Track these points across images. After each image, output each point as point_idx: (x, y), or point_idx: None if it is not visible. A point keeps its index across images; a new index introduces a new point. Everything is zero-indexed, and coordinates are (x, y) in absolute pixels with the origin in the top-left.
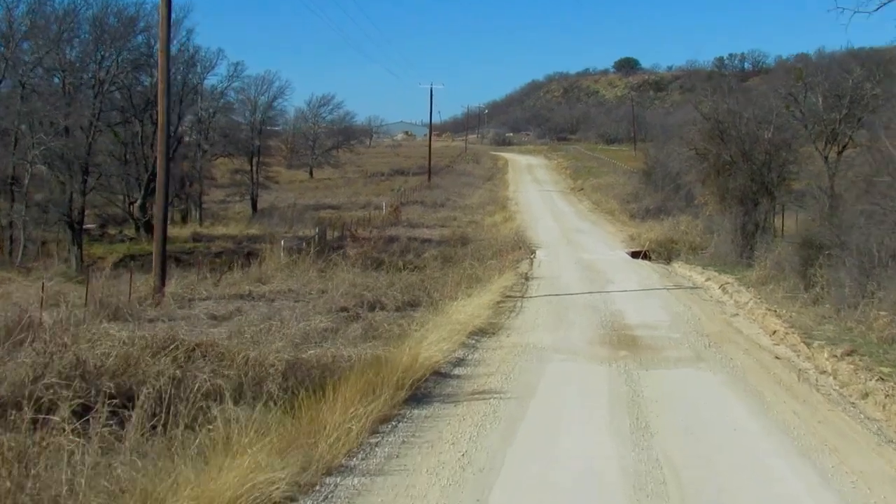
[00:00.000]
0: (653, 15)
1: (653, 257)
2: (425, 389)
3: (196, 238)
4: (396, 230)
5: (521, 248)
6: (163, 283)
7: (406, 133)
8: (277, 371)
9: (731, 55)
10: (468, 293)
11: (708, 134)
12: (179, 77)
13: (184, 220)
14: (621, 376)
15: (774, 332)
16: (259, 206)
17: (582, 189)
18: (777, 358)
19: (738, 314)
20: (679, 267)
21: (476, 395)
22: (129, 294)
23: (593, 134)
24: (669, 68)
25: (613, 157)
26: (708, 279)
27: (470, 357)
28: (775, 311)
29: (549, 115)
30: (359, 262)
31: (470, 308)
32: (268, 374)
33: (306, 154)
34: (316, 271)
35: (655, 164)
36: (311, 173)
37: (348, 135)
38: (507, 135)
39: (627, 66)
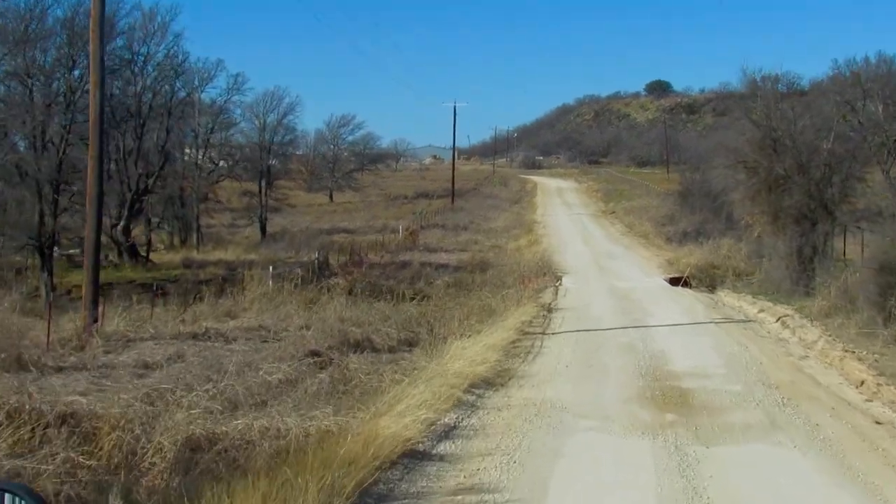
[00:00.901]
0: (685, 37)
1: (693, 284)
2: (384, 487)
3: (187, 264)
4: (411, 255)
5: (547, 274)
6: (94, 320)
7: (434, 157)
8: (165, 461)
9: (764, 77)
10: (478, 329)
11: (759, 144)
12: (167, 87)
13: (183, 243)
14: (672, 458)
15: (862, 382)
16: (270, 229)
17: (614, 212)
18: (878, 423)
19: (807, 356)
20: (725, 296)
21: (459, 496)
22: (48, 334)
23: (625, 157)
24: (702, 91)
25: (646, 179)
26: (761, 310)
27: (464, 423)
28: (853, 352)
29: (579, 139)
30: (359, 291)
31: (476, 349)
32: (149, 467)
33: (327, 177)
34: (302, 302)
35: (692, 185)
36: (330, 197)
37: (374, 158)
38: (536, 158)
39: (659, 88)
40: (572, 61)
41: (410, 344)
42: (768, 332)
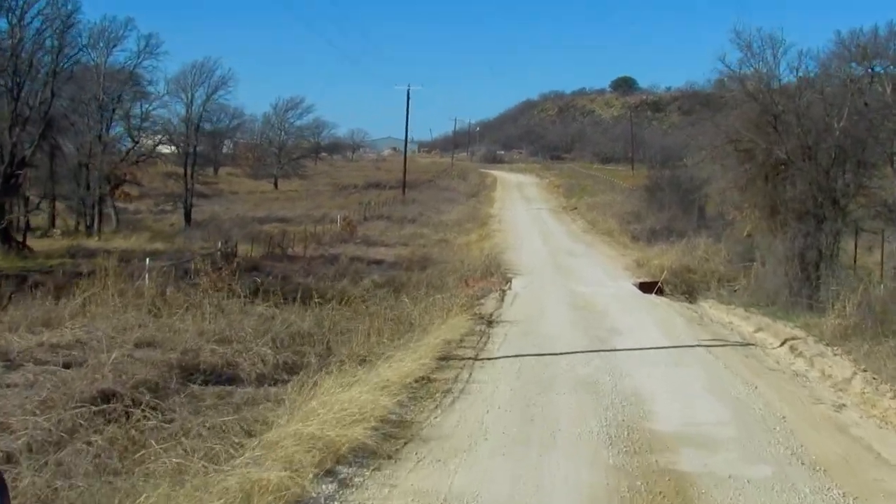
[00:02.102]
0: (651, 34)
1: (667, 291)
2: None
3: (73, 253)
4: (344, 248)
5: (495, 274)
6: None
7: (394, 149)
8: None
9: (731, 76)
10: (391, 346)
11: (755, 121)
12: (54, 42)
13: (89, 228)
14: None
15: None
16: (199, 217)
17: (576, 208)
18: None
19: (843, 403)
20: (710, 307)
21: None
22: None
23: (588, 153)
24: (668, 89)
25: (610, 175)
26: (759, 329)
27: None
28: None
29: (542, 133)
30: (249, 291)
31: (359, 392)
32: None
33: (273, 163)
34: (168, 307)
35: (660, 180)
36: (275, 184)
37: (331, 148)
38: (498, 152)
39: (625, 85)
40: (537, 57)
41: (292, 370)
42: (777, 363)
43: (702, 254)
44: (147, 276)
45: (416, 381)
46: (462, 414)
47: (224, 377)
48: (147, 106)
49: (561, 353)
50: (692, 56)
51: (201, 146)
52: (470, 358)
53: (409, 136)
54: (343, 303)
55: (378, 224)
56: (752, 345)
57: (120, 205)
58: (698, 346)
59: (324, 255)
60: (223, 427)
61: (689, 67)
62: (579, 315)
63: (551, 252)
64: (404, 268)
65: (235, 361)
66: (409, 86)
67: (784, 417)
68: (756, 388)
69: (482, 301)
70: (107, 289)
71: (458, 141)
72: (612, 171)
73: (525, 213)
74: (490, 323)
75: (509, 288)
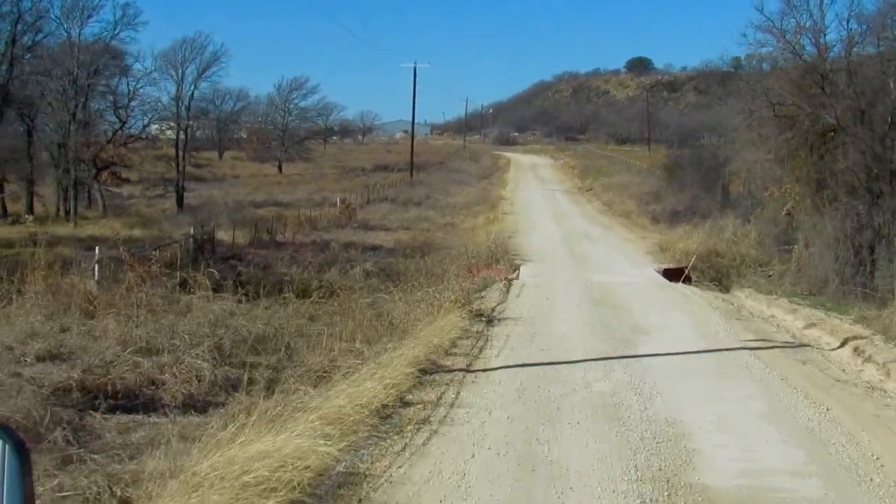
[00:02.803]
0: (666, 14)
1: (694, 277)
2: None
3: (36, 241)
4: (342, 233)
5: (503, 261)
6: None
7: (405, 132)
8: None
9: (748, 56)
10: (365, 354)
11: (798, 83)
12: (11, 9)
13: (67, 214)
14: None
15: None
16: (195, 202)
17: (591, 189)
18: None
19: None
20: (746, 297)
21: None
22: None
23: (603, 134)
24: (684, 69)
25: (626, 156)
26: (810, 324)
27: None
28: None
29: (556, 115)
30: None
31: (299, 431)
32: None
33: (277, 147)
34: (105, 306)
35: (680, 158)
36: (279, 167)
37: (342, 132)
38: (511, 134)
39: (640, 66)
40: (552, 38)
41: (233, 388)
42: (843, 371)
43: (730, 236)
44: (96, 268)
45: (384, 408)
46: (437, 460)
47: (139, 401)
48: (133, 83)
49: (575, 362)
50: (708, 35)
51: (206, 130)
52: (460, 369)
53: (422, 120)
54: (327, 295)
55: (381, 207)
56: (806, 346)
57: (114, 189)
58: (742, 348)
59: (316, 242)
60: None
61: (705, 47)
62: (597, 310)
63: (565, 236)
64: (403, 254)
65: (160, 378)
66: (415, 63)
67: (881, 462)
68: (828, 410)
69: (483, 294)
70: (31, 284)
71: (471, 124)
72: (628, 151)
73: (539, 194)
74: (491, 321)
75: (517, 277)
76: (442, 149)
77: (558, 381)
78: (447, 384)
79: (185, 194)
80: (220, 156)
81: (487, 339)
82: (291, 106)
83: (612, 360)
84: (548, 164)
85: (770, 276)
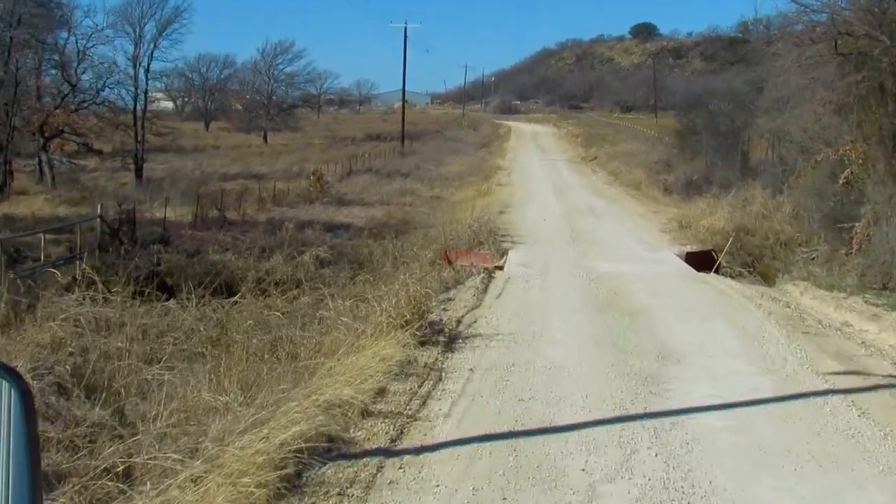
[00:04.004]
0: None
1: (724, 263)
2: None
3: None
4: (307, 209)
5: (487, 243)
6: None
7: (406, 102)
8: None
9: (755, 19)
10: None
11: (869, 8)
12: None
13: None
14: None
15: None
16: (160, 174)
17: (595, 158)
18: None
19: None
20: (802, 293)
21: None
22: None
23: (608, 101)
24: (689, 34)
25: (633, 124)
26: None
27: None
28: None
29: (560, 82)
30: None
31: None
32: None
33: (262, 116)
34: None
35: (693, 123)
36: (264, 138)
37: (341, 102)
38: (513, 103)
39: (644, 32)
40: (554, 3)
41: None
42: None
43: (758, 209)
44: None
45: None
46: None
47: None
48: (84, 42)
49: (571, 429)
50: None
51: (194, 100)
52: (377, 452)
53: (422, 90)
54: (263, 294)
55: (362, 179)
56: None
57: (82, 162)
58: (831, 392)
59: (272, 220)
60: None
61: (711, 12)
62: (604, 319)
63: (566, 211)
64: (373, 235)
65: None
66: (405, 22)
67: None
68: None
69: (453, 294)
70: None
71: (473, 93)
72: (634, 119)
73: (539, 164)
74: (452, 342)
75: (503, 266)
76: (441, 118)
77: (541, 483)
78: (341, 496)
79: (153, 166)
80: (207, 126)
81: (439, 380)
82: (277, 72)
83: (633, 423)
84: (550, 132)
85: (814, 258)
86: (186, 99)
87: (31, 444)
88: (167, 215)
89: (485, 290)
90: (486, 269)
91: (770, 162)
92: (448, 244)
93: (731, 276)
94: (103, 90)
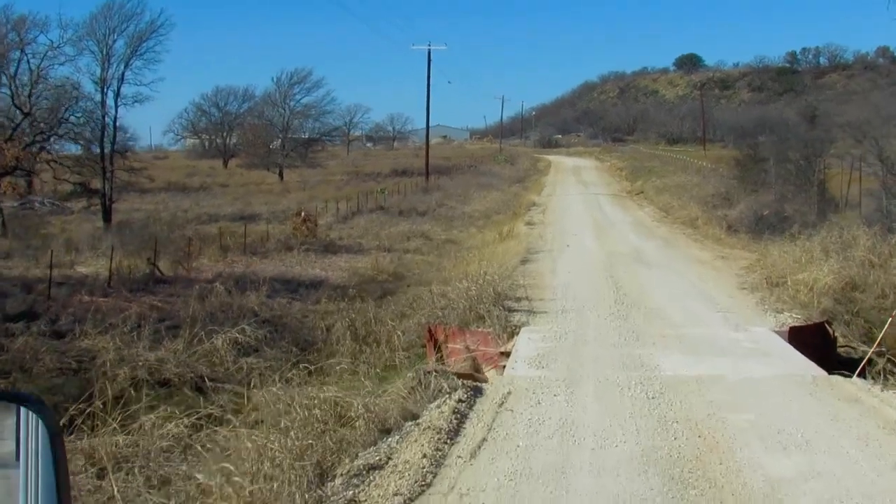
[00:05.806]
0: (716, 9)
1: (839, 335)
2: None
3: None
4: (276, 260)
5: (490, 318)
6: None
7: (444, 137)
8: None
9: (804, 49)
10: None
11: None
12: None
13: None
14: None
15: None
16: (135, 216)
17: (641, 192)
18: None
19: None
20: None
21: None
22: None
23: (653, 134)
24: (736, 65)
25: (680, 155)
26: None
27: None
28: None
29: (602, 115)
30: None
31: None
32: None
33: (277, 152)
34: None
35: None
36: (280, 174)
37: (378, 138)
38: (554, 137)
39: (689, 63)
40: (596, 37)
41: None
42: None
43: (863, 254)
44: None
45: None
46: None
47: None
48: (38, 62)
49: None
50: (761, 30)
51: (212, 136)
52: None
53: (462, 125)
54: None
55: (366, 219)
56: None
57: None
58: None
59: (221, 276)
60: None
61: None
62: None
63: (608, 257)
64: (346, 297)
65: None
66: (429, 44)
67: None
68: None
69: (377, 455)
70: None
71: (513, 127)
72: (681, 150)
73: (579, 199)
74: None
75: (505, 361)
76: (477, 153)
77: None
78: None
79: (139, 206)
80: (225, 163)
81: None
82: (293, 103)
83: None
84: (592, 165)
85: None
86: (204, 136)
87: (60, 474)
88: (82, 271)
89: (456, 431)
90: (472, 375)
91: (866, 192)
92: (437, 317)
93: (887, 375)
94: (66, 120)
